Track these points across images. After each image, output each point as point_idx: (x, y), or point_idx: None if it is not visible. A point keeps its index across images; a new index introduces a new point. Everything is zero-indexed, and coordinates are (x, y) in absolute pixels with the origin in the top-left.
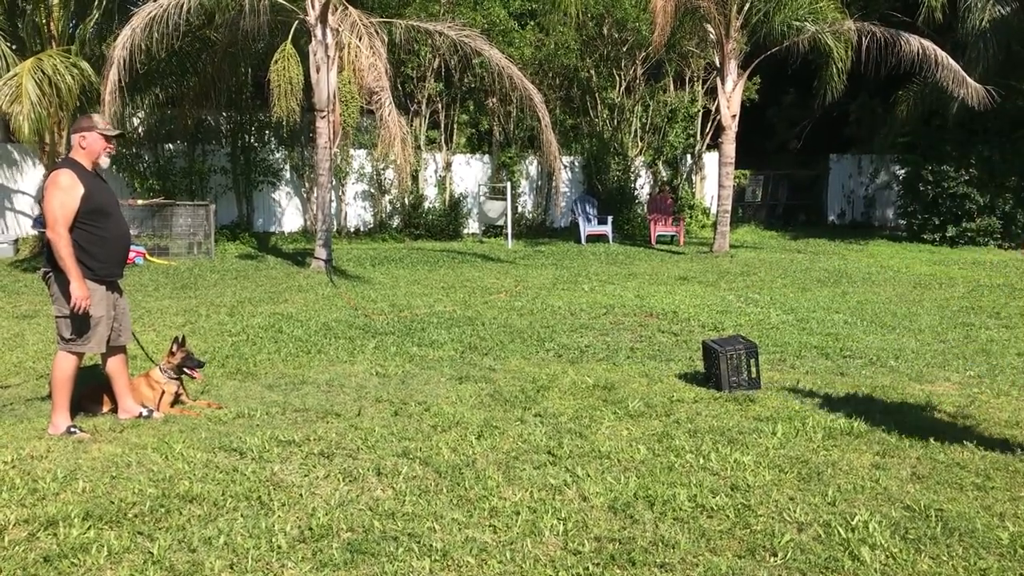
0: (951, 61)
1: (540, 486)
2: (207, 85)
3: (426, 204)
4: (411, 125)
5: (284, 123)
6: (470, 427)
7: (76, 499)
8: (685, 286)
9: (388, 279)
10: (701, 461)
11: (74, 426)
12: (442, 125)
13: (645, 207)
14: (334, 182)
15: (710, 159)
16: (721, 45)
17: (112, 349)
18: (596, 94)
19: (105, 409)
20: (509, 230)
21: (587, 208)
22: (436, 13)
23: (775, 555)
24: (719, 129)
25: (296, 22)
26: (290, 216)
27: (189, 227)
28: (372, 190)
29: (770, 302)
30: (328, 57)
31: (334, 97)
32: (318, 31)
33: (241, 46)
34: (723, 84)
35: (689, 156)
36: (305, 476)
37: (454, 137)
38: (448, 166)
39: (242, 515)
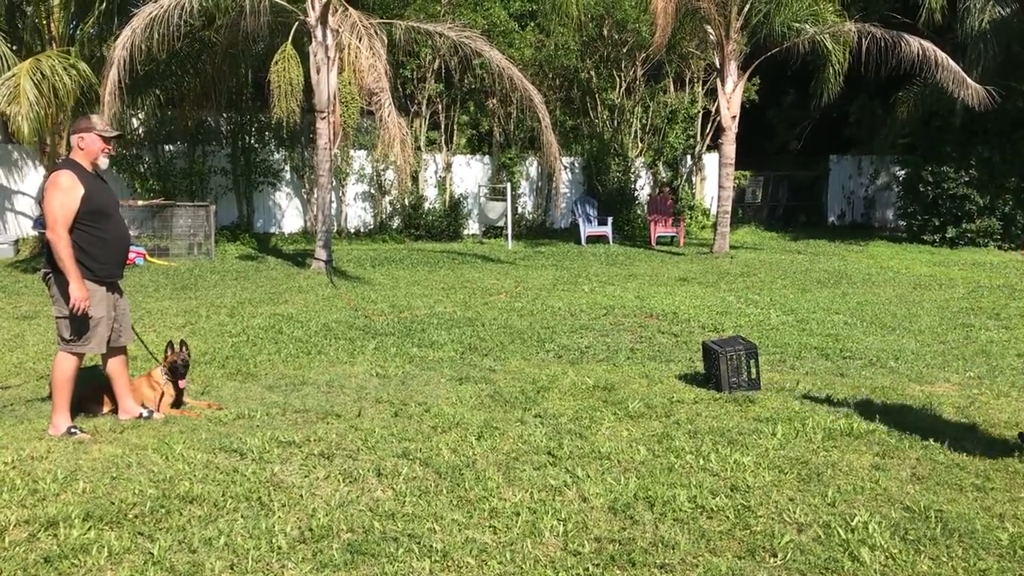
0: (951, 62)
1: (540, 487)
2: (207, 86)
3: (426, 205)
4: (411, 126)
5: (284, 124)
6: (470, 428)
7: (76, 500)
8: (685, 287)
9: (388, 280)
10: (701, 462)
11: (74, 427)
12: (442, 126)
13: (645, 208)
14: (334, 183)
15: (710, 160)
16: (721, 46)
17: (112, 350)
18: (596, 95)
19: (105, 410)
20: (509, 231)
21: (587, 209)
22: (436, 14)
23: (775, 556)
24: (719, 130)
25: (296, 23)
26: (290, 217)
27: (189, 228)
28: (372, 191)
29: (770, 303)
30: (328, 58)
31: (334, 98)
32: (318, 32)
33: (241, 47)
34: (723, 85)
35: (689, 157)
36: (305, 477)
37: (454, 138)
38: (448, 167)
39: (242, 516)
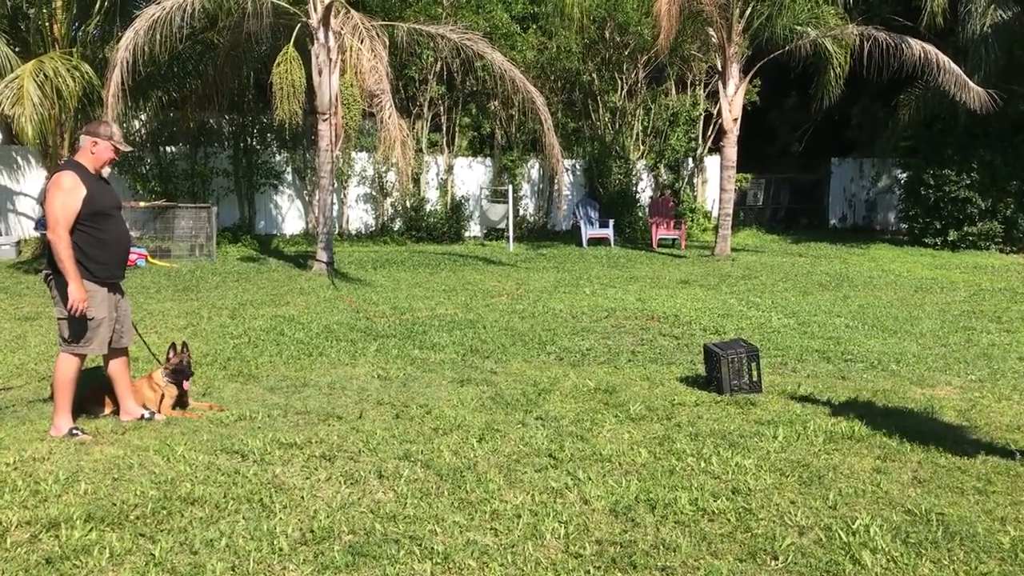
0: (953, 65)
1: (541, 489)
2: (209, 88)
3: (428, 207)
4: (413, 128)
5: (286, 126)
6: (471, 430)
7: (78, 501)
8: (686, 289)
9: (389, 282)
10: (702, 464)
11: (76, 428)
12: (444, 128)
13: (647, 210)
14: (336, 185)
15: (712, 163)
16: (723, 49)
17: (114, 351)
18: (598, 97)
19: (107, 411)
20: (511, 233)
21: (589, 211)
22: (438, 16)
23: (776, 559)
24: (720, 133)
25: (298, 25)
26: (292, 219)
27: (191, 229)
28: (374, 193)
29: (771, 306)
30: (330, 60)
31: (336, 100)
32: (320, 34)
33: (243, 49)
34: (725, 88)
35: (691, 159)
36: (307, 479)
37: (456, 140)
38: (450, 169)
39: (244, 517)
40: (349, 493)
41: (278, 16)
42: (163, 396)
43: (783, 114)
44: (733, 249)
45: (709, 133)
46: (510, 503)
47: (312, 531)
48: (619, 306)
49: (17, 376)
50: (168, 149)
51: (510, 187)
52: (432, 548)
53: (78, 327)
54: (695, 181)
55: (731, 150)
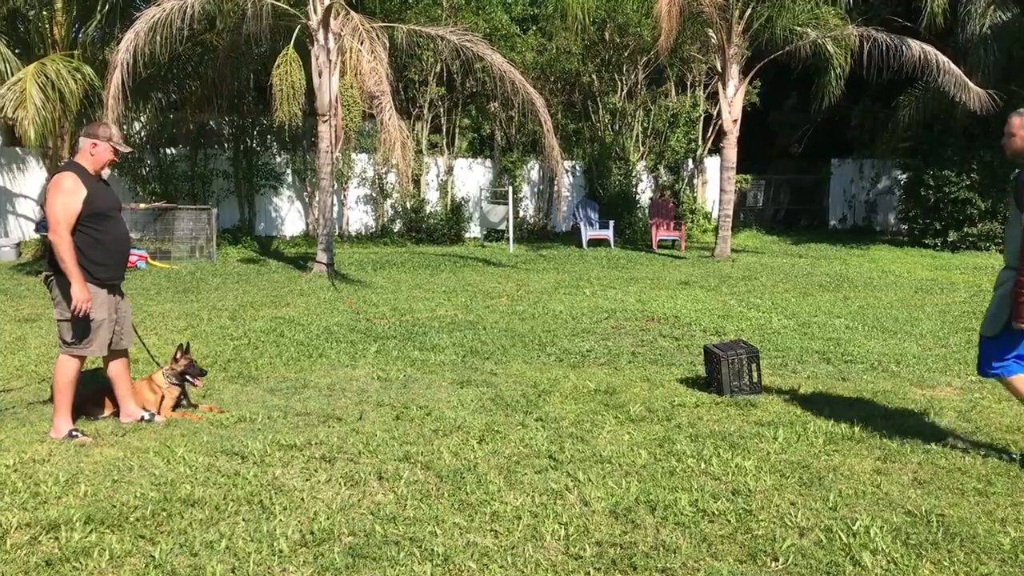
0: (952, 66)
1: (541, 490)
2: (209, 89)
3: (428, 208)
4: (413, 129)
5: (286, 127)
6: (471, 431)
7: (78, 503)
8: (687, 290)
9: (390, 283)
10: (702, 466)
11: (76, 430)
12: (444, 129)
13: (647, 212)
14: (336, 186)
15: (712, 164)
16: (723, 50)
17: (114, 353)
18: (598, 99)
19: (107, 412)
20: (511, 234)
21: (589, 212)
22: (438, 17)
23: (776, 560)
24: (720, 134)
25: (298, 27)
26: (292, 220)
27: (191, 231)
28: (374, 194)
29: (772, 307)
30: (330, 62)
31: (336, 101)
32: (320, 36)
33: (243, 50)
34: (724, 89)
35: (691, 161)
36: (307, 480)
37: (456, 141)
38: (450, 170)
39: (243, 519)
40: (349, 495)
41: (278, 17)
42: (163, 398)
43: (783, 115)
44: (733, 250)
45: (709, 134)
46: (510, 504)
47: (312, 533)
48: (619, 307)
49: (17, 378)
50: (168, 151)
51: (510, 188)
52: (432, 550)
53: (79, 328)
54: (695, 182)
55: (731, 151)
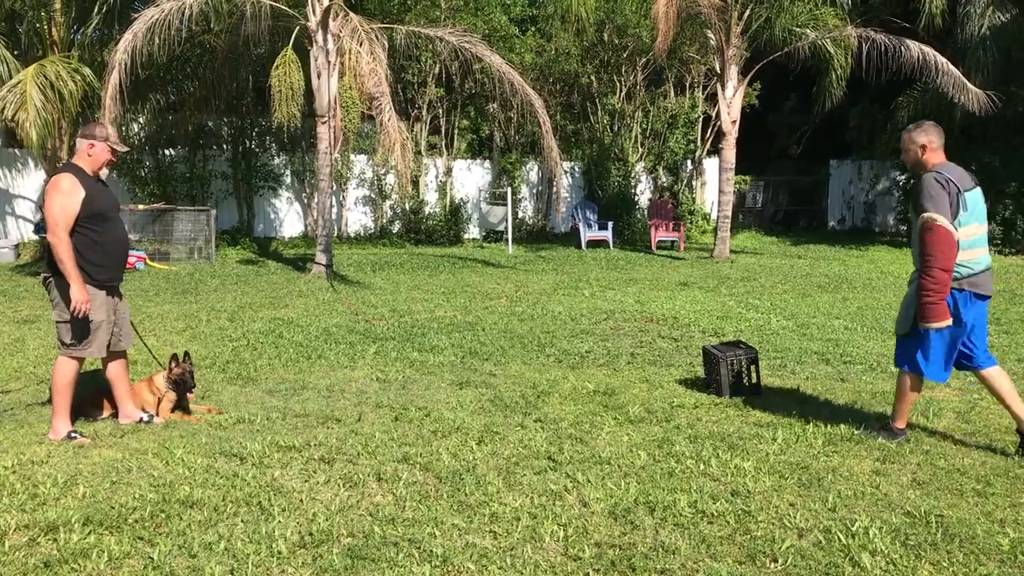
0: (951, 67)
1: (540, 492)
2: (208, 90)
3: (427, 209)
4: (412, 130)
5: (285, 128)
6: (470, 432)
7: (76, 504)
8: (685, 291)
9: (389, 284)
10: (701, 467)
11: (74, 431)
12: (443, 130)
13: (645, 213)
14: (335, 187)
15: (710, 165)
16: (722, 51)
17: (112, 354)
18: (597, 100)
19: (105, 414)
20: (510, 235)
21: (588, 214)
22: (437, 19)
23: (775, 561)
24: (719, 135)
25: (297, 28)
26: (291, 221)
27: (190, 232)
28: (373, 195)
29: (770, 308)
30: (329, 63)
31: (335, 102)
32: (319, 37)
33: (242, 51)
34: (723, 90)
35: (689, 162)
36: (305, 481)
37: (455, 142)
38: (449, 171)
39: (242, 520)
40: (348, 496)
41: (276, 19)
42: (162, 399)
43: (782, 116)
44: (732, 251)
45: (708, 135)
46: (509, 506)
47: (311, 534)
48: (618, 308)
49: (15, 379)
50: (167, 152)
51: (509, 189)
52: (431, 551)
53: (77, 330)
54: (694, 183)
55: (730, 152)
